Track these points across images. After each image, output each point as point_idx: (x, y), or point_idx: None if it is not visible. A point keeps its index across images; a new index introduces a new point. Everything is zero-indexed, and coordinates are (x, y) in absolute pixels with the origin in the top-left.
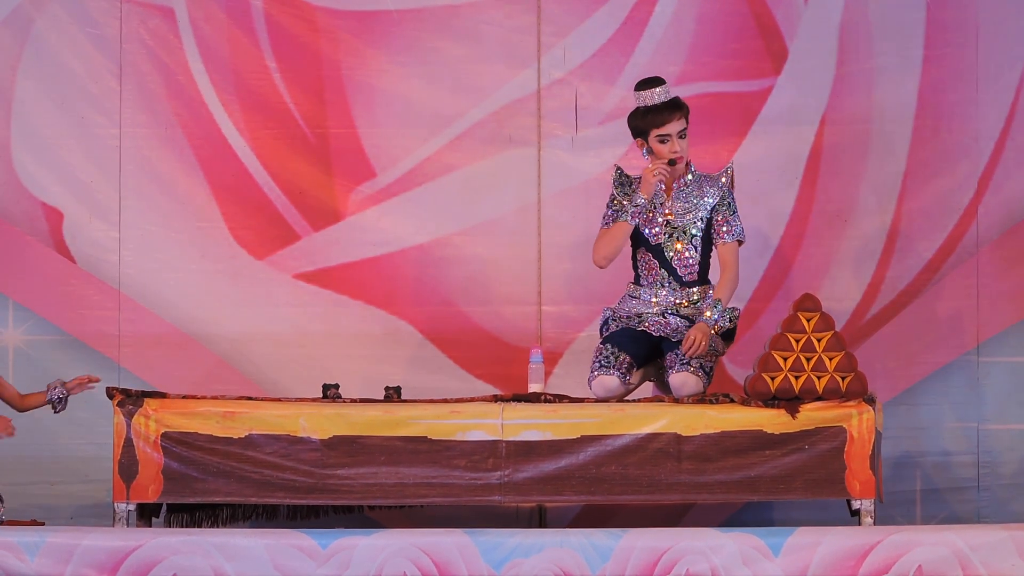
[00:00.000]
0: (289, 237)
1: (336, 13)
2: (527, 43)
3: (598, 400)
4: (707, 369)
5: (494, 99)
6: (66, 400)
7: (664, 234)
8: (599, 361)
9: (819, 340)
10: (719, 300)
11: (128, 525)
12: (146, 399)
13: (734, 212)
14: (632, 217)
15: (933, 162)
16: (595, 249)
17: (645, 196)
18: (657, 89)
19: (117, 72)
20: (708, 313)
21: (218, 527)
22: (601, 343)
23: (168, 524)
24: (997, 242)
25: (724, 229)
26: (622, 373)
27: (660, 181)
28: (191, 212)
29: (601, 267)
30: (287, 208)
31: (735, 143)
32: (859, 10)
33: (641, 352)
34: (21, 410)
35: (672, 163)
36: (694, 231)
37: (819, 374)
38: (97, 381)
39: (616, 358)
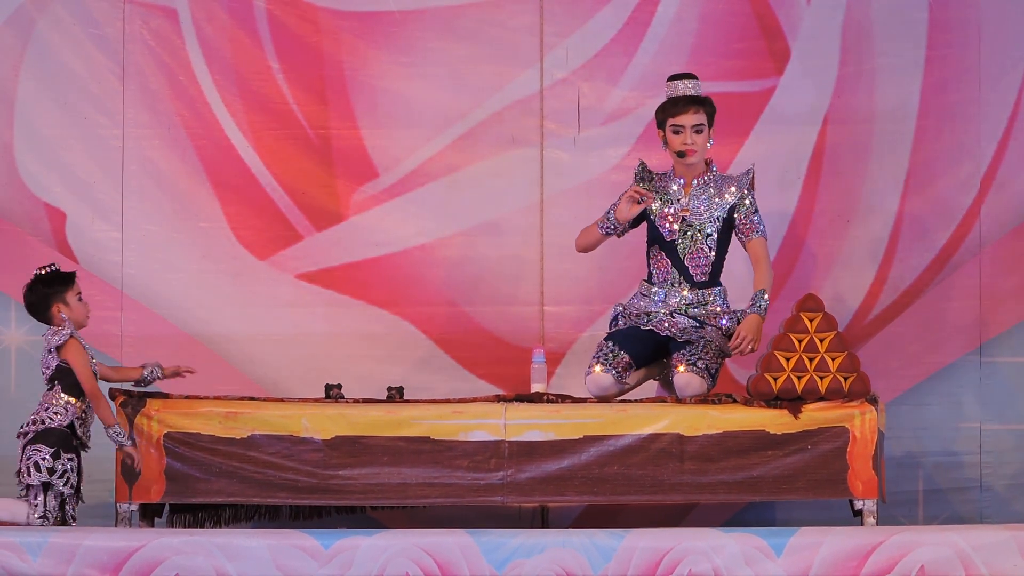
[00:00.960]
0: (291, 237)
1: (339, 13)
2: (530, 43)
3: (596, 398)
4: (712, 371)
5: (496, 99)
6: (153, 382)
7: (679, 231)
8: (597, 357)
9: (822, 340)
10: (764, 290)
11: (130, 525)
12: (148, 400)
13: (756, 211)
14: (602, 228)
15: (936, 162)
16: (578, 236)
17: (618, 218)
18: (684, 82)
19: (120, 72)
20: (758, 305)
21: (220, 527)
22: (604, 339)
23: (170, 524)
24: (1000, 242)
25: (748, 227)
26: (618, 372)
27: (633, 201)
28: (193, 212)
29: (580, 252)
30: (289, 208)
31: (738, 143)
32: (862, 10)
33: (645, 352)
34: (115, 381)
35: (681, 155)
36: (710, 230)
37: (822, 374)
38: (192, 372)
39: (615, 356)
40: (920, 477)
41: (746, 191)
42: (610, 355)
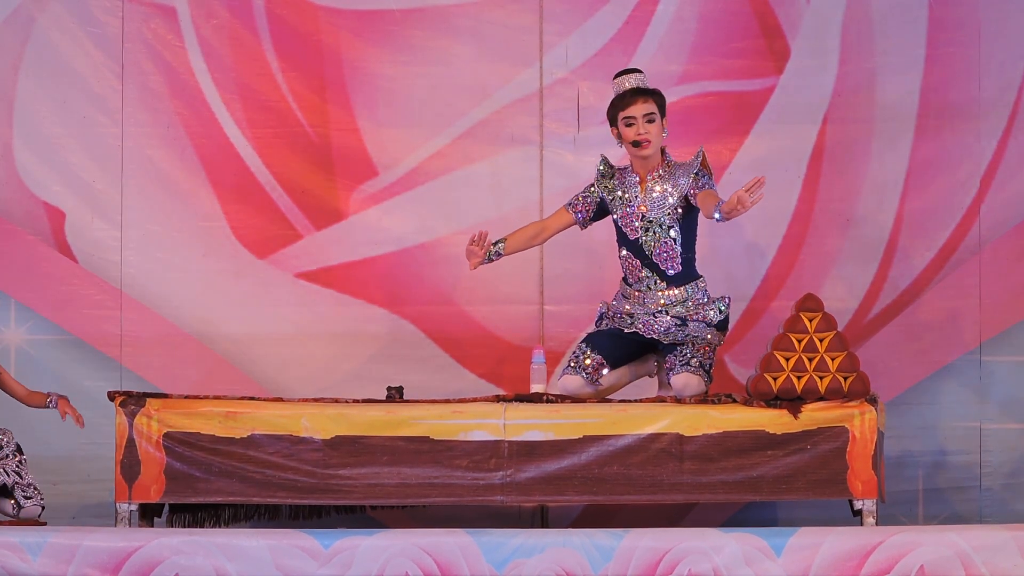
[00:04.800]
0: (291, 236)
1: (338, 12)
2: (529, 42)
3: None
4: (707, 367)
5: (496, 98)
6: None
7: (641, 229)
8: (569, 360)
9: (821, 340)
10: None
11: (130, 525)
12: (148, 399)
13: (706, 177)
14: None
15: (935, 161)
16: (526, 227)
17: (470, 266)
18: (630, 76)
19: (119, 71)
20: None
21: (220, 527)
22: (580, 340)
23: (170, 524)
24: (999, 241)
25: (698, 187)
26: (588, 374)
27: (473, 257)
28: (193, 211)
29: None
30: (289, 207)
31: (737, 142)
32: (861, 9)
33: (625, 352)
34: (29, 405)
35: (637, 144)
36: (670, 222)
37: (821, 374)
38: (81, 427)
39: (586, 358)
40: (919, 477)
41: (697, 168)
42: (581, 357)
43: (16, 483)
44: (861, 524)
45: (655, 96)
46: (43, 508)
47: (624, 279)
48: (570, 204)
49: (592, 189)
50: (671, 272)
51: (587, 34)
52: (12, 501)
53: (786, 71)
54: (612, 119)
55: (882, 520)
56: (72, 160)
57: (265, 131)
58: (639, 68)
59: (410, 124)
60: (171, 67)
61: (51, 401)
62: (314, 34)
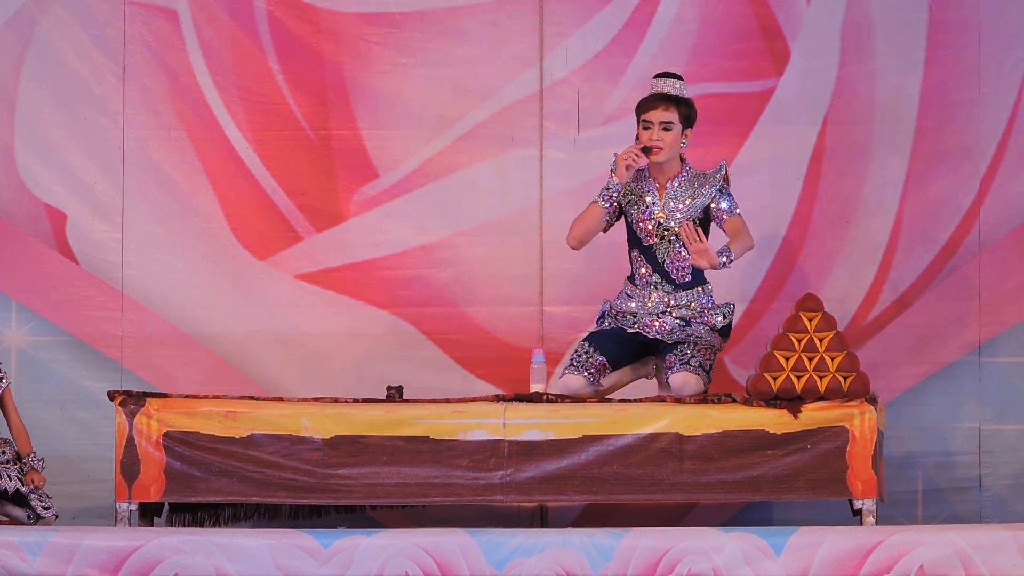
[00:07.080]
0: (291, 238)
1: (339, 15)
2: (529, 44)
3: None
4: (707, 367)
5: (496, 100)
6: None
7: (656, 236)
8: (572, 359)
9: (821, 340)
10: (731, 249)
11: (130, 525)
12: (148, 399)
13: (728, 196)
14: (603, 199)
15: (935, 162)
16: (569, 229)
17: (617, 180)
18: (663, 80)
19: (120, 74)
20: (719, 250)
21: (220, 527)
22: (583, 339)
23: (170, 524)
24: (999, 243)
25: (723, 209)
26: (590, 374)
27: (631, 165)
28: (194, 213)
29: (573, 248)
30: (289, 209)
31: (738, 144)
32: (861, 10)
33: (626, 353)
34: (12, 438)
35: (646, 150)
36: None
37: (821, 374)
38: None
39: (588, 358)
40: (919, 477)
41: (720, 184)
42: (584, 357)
43: (31, 491)
44: (861, 524)
45: (680, 105)
46: (57, 516)
47: (630, 278)
48: (599, 198)
49: (612, 182)
50: (679, 279)
51: (587, 35)
52: (28, 511)
53: (786, 73)
54: (637, 118)
55: (882, 521)
56: (73, 162)
57: (266, 133)
58: (679, 74)
59: (410, 126)
60: (172, 69)
61: (30, 458)
62: (314, 36)
